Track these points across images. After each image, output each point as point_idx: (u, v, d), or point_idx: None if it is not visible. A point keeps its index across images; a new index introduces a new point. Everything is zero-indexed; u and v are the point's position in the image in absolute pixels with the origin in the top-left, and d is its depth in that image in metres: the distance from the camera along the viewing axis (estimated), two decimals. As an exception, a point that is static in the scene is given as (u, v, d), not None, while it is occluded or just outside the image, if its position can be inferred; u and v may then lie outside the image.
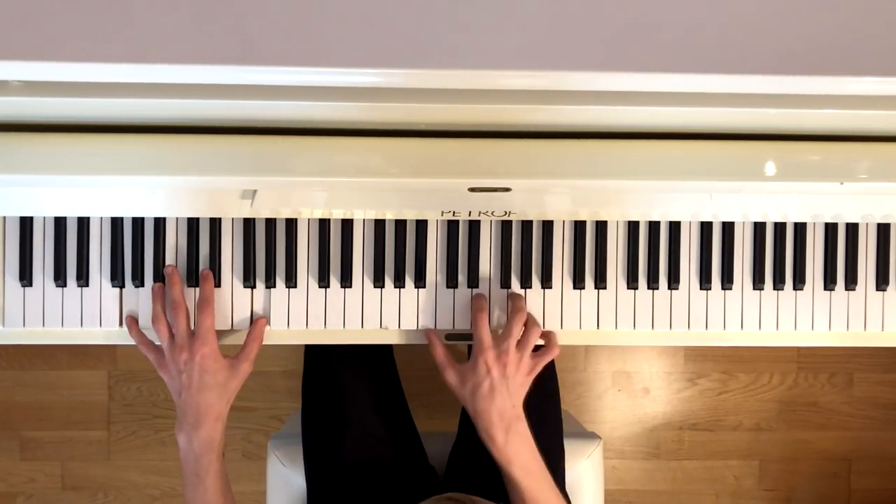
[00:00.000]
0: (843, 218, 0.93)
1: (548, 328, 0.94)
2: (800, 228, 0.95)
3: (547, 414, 1.07)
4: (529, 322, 0.91)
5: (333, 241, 0.93)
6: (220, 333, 0.92)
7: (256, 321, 0.92)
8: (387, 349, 1.13)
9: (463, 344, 0.96)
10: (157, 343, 0.90)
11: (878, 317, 0.96)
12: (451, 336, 0.94)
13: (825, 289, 0.95)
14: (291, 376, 1.74)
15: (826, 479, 1.83)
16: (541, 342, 0.93)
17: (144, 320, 0.92)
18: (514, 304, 0.91)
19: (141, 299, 0.92)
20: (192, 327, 0.89)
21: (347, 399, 1.05)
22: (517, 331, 0.89)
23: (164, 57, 0.59)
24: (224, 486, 0.89)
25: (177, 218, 0.92)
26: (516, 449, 0.86)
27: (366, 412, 1.05)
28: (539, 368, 0.90)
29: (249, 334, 0.91)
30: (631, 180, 0.79)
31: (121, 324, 0.92)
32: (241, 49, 0.60)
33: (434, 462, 1.11)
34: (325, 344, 0.99)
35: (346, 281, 0.93)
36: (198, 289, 0.91)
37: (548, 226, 0.94)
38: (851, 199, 0.91)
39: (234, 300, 0.92)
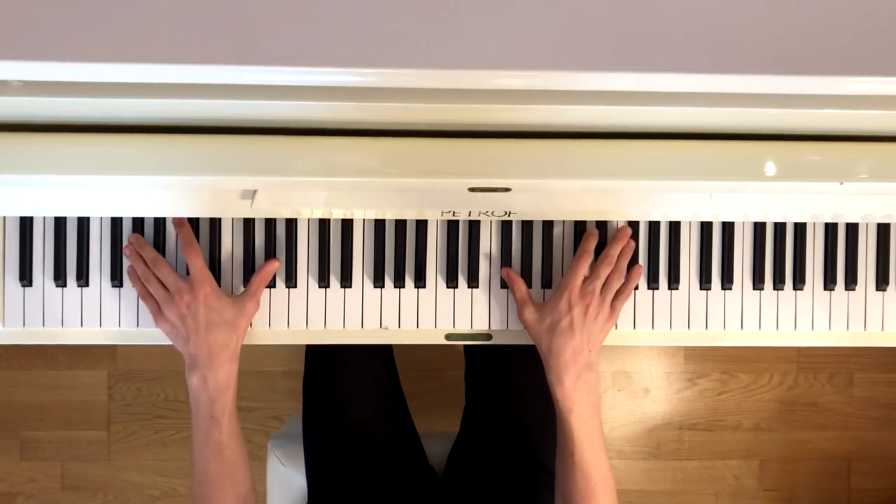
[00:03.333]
0: (843, 218, 0.93)
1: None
2: (800, 228, 0.95)
3: (550, 415, 1.07)
4: (616, 270, 0.90)
5: (333, 241, 0.93)
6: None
7: (268, 262, 0.90)
8: (387, 349, 1.13)
9: (463, 344, 0.96)
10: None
11: (878, 317, 0.96)
12: (452, 336, 0.94)
13: (825, 289, 0.95)
14: (291, 376, 1.74)
15: (826, 479, 1.83)
16: None
17: (144, 322, 0.92)
18: (605, 251, 0.90)
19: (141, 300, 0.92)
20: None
21: (348, 400, 1.05)
22: (604, 274, 0.89)
23: (164, 57, 0.59)
24: (238, 428, 0.87)
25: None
26: (581, 397, 0.85)
27: (366, 413, 1.05)
28: (618, 314, 0.90)
29: (256, 273, 0.90)
30: (631, 180, 0.79)
31: (119, 324, 0.92)
32: (241, 49, 0.60)
33: (434, 462, 1.11)
34: (325, 345, 0.98)
35: (346, 281, 0.93)
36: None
37: (548, 226, 0.94)
38: (851, 199, 0.91)
39: (234, 300, 0.92)
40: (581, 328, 0.86)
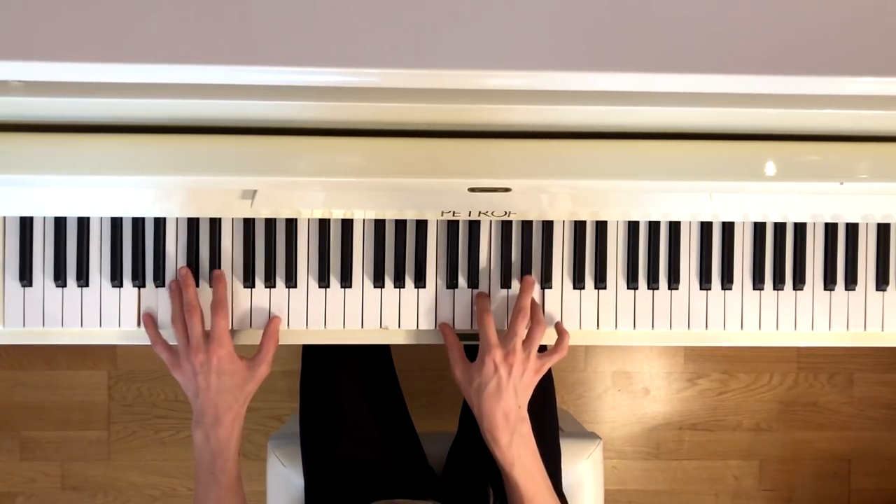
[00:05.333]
0: (843, 218, 0.93)
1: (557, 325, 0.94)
2: (800, 228, 0.95)
3: (543, 414, 1.07)
4: (535, 320, 0.90)
5: (333, 241, 0.93)
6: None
7: (271, 321, 0.92)
8: (384, 350, 1.13)
9: (468, 343, 0.96)
10: (172, 343, 0.90)
11: (878, 317, 0.96)
12: (451, 336, 0.94)
13: (825, 289, 0.95)
14: (291, 376, 1.74)
15: (826, 479, 1.83)
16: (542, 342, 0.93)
17: (144, 320, 0.92)
18: (517, 304, 0.91)
19: (141, 299, 0.92)
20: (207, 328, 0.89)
21: (345, 401, 1.04)
22: (521, 329, 0.88)
23: (164, 57, 0.59)
24: (238, 486, 0.89)
25: (177, 218, 0.92)
26: (519, 451, 0.86)
27: (363, 414, 1.05)
28: (545, 369, 0.89)
29: (264, 335, 0.91)
30: (631, 180, 0.79)
31: (119, 324, 0.92)
32: (241, 49, 0.60)
33: (434, 462, 1.11)
34: (322, 345, 0.98)
35: (346, 281, 0.93)
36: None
37: (548, 226, 0.94)
38: (851, 199, 0.91)
39: (233, 300, 0.92)
40: (507, 388, 0.86)
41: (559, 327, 0.93)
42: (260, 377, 0.89)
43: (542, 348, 0.92)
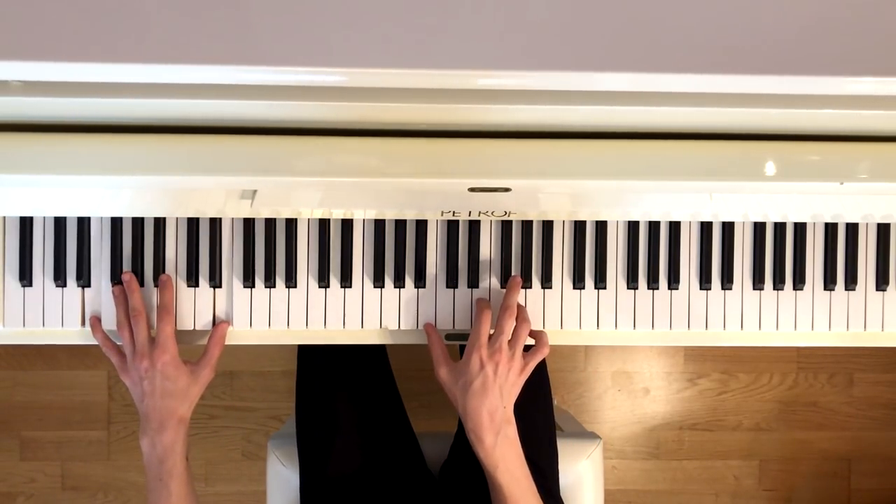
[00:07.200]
0: (843, 218, 0.93)
1: (546, 328, 0.94)
2: (800, 228, 0.95)
3: (535, 415, 1.07)
4: (519, 319, 0.90)
5: (333, 241, 0.93)
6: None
7: (217, 325, 0.92)
8: (381, 352, 1.12)
9: (462, 343, 0.96)
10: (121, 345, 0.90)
11: (878, 317, 0.96)
12: (451, 336, 0.94)
13: (825, 289, 0.95)
14: (291, 376, 1.73)
15: (826, 479, 1.83)
16: (530, 342, 0.92)
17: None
18: (504, 302, 0.90)
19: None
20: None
21: (340, 405, 1.04)
22: (508, 327, 0.88)
23: (164, 57, 0.59)
24: (188, 489, 0.88)
25: (177, 218, 0.92)
26: (504, 452, 0.85)
27: (359, 417, 1.04)
28: (530, 368, 0.89)
29: (210, 339, 0.91)
30: (630, 180, 0.79)
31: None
32: (241, 49, 0.60)
33: (434, 462, 1.11)
34: (317, 347, 0.98)
35: (345, 281, 0.93)
36: (195, 289, 0.92)
37: (548, 226, 0.94)
38: (851, 199, 0.91)
39: (234, 300, 0.92)
40: (493, 386, 0.85)
41: (532, 331, 0.93)
42: (204, 381, 0.90)
43: (526, 349, 0.92)
